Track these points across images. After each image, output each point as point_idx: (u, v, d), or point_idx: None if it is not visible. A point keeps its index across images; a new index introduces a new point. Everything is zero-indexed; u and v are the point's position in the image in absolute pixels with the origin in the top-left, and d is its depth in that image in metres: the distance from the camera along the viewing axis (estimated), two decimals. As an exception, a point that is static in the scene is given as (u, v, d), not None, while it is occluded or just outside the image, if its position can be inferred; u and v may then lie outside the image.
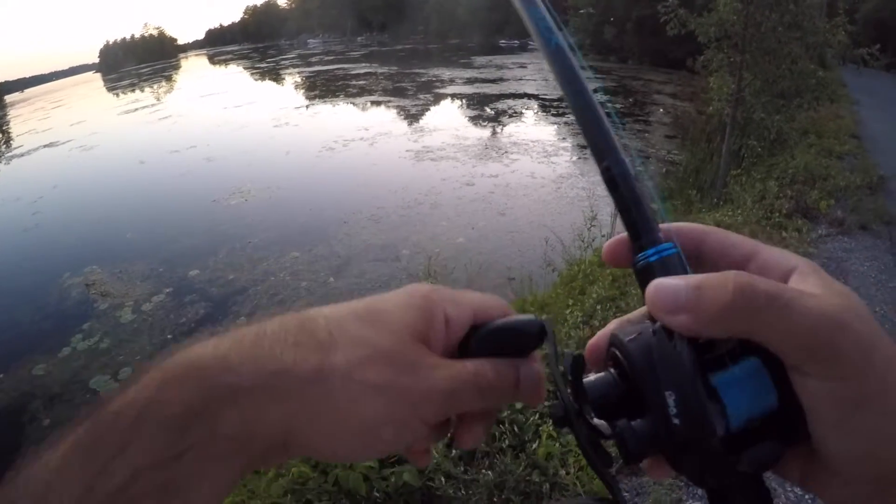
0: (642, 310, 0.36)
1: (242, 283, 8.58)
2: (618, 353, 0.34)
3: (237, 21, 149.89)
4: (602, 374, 0.35)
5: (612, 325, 0.38)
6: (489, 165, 14.00)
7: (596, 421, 0.34)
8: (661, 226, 0.35)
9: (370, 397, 0.33)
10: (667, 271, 0.33)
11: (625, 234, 0.36)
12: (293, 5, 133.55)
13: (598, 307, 4.62)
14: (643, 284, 0.34)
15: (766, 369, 0.31)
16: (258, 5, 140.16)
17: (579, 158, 14.11)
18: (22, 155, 23.38)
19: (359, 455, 0.35)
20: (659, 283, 0.32)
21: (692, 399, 0.30)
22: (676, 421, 0.30)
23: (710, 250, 0.36)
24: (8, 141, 29.41)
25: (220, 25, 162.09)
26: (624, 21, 35.57)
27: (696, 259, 0.36)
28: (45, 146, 23.87)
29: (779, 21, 8.25)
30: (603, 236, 7.31)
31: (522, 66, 35.83)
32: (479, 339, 0.39)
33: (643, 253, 0.35)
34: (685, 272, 0.34)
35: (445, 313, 0.37)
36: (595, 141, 0.37)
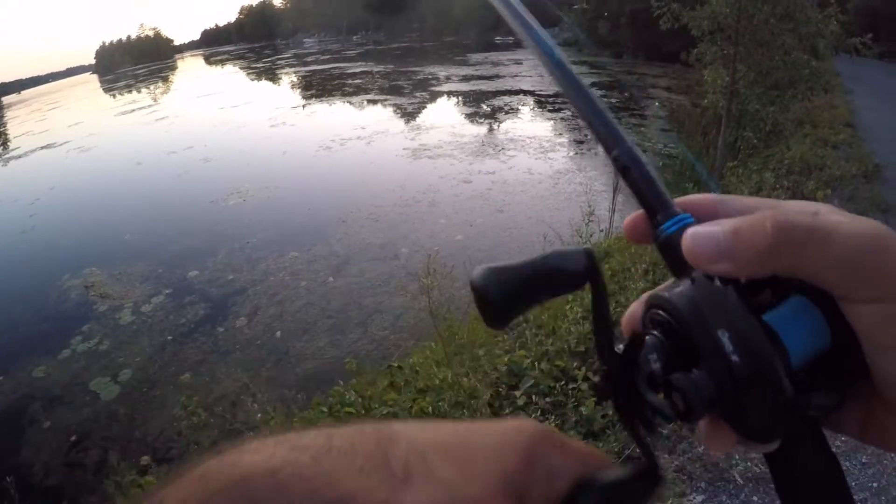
0: (669, 282, 0.35)
1: (242, 284, 8.60)
2: (659, 310, 0.33)
3: (233, 21, 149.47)
4: (646, 337, 0.32)
5: (644, 295, 0.36)
6: (486, 162, 14.01)
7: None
8: (676, 200, 0.36)
9: None
10: None
11: (642, 211, 0.37)
12: (288, 5, 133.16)
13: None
14: (667, 257, 0.35)
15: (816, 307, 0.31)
16: (254, 5, 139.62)
17: (576, 154, 14.13)
18: (19, 157, 23.39)
19: None
20: (695, 232, 0.32)
21: (748, 331, 0.29)
22: (735, 358, 0.29)
23: (730, 215, 0.34)
24: (5, 143, 29.41)
25: (216, 26, 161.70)
26: (618, 16, 35.54)
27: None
28: (42, 148, 23.90)
29: (771, 13, 8.29)
30: (601, 231, 7.32)
31: (518, 62, 35.75)
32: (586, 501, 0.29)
33: (663, 226, 0.35)
34: None
35: (550, 465, 0.30)
36: (602, 134, 0.39)
